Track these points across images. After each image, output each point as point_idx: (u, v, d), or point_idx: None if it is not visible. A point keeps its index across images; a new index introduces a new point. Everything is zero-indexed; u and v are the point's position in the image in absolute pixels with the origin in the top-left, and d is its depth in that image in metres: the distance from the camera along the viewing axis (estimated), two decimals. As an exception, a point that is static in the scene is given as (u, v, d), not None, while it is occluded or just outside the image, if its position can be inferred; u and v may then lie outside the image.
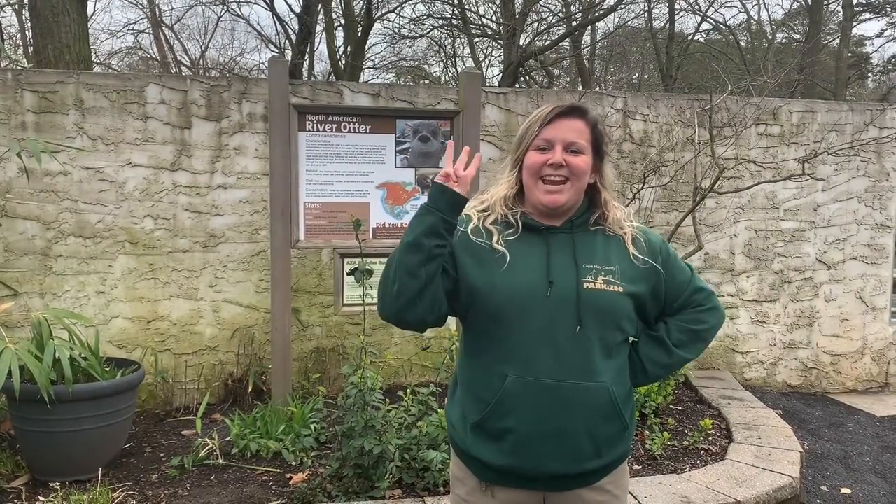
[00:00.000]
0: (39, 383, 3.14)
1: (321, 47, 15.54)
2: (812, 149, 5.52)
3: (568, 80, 18.95)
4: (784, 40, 20.12)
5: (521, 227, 1.71)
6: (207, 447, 3.62)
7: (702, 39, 18.91)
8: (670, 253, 1.79)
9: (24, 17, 13.69)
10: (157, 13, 15.69)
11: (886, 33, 20.56)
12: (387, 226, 4.22)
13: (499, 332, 1.65)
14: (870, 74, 22.22)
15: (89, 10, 10.89)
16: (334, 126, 4.11)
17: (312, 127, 4.07)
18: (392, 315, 1.65)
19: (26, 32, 13.95)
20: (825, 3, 16.85)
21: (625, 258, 1.71)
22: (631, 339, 1.78)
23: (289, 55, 13.51)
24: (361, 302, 3.54)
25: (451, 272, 1.67)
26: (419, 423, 3.47)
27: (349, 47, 13.28)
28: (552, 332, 1.63)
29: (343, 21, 13.57)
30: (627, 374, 1.75)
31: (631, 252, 1.71)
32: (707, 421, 4.09)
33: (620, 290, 1.67)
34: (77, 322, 3.86)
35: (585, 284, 1.64)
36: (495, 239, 1.69)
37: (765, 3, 28.68)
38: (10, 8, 14.30)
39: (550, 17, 14.83)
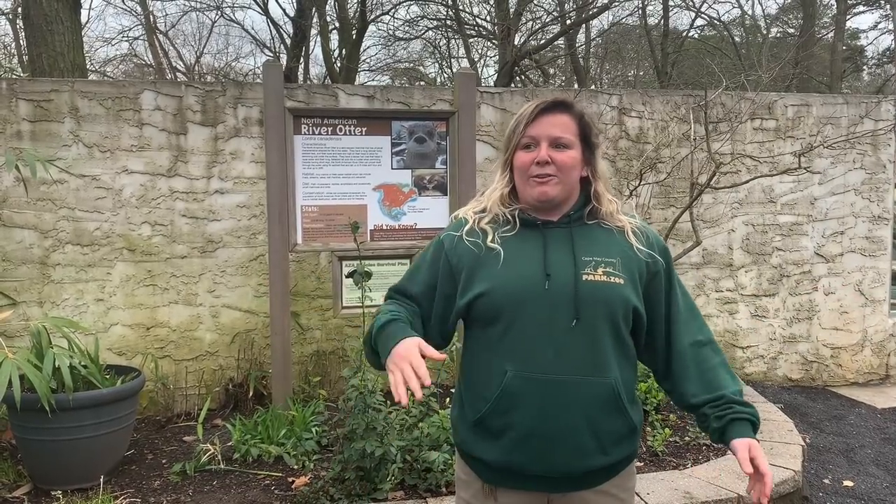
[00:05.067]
0: (39, 392, 3.14)
1: (316, 50, 15.58)
2: (808, 142, 5.52)
3: (563, 78, 18.96)
4: (778, 35, 20.14)
5: (517, 223, 1.71)
6: (209, 453, 3.62)
7: (696, 35, 18.93)
8: (672, 263, 1.77)
9: (17, 26, 13.69)
10: (152, 20, 15.68)
11: (880, 26, 20.55)
12: (384, 227, 4.22)
13: (498, 328, 1.63)
14: (865, 67, 22.26)
15: (83, 18, 10.90)
16: (330, 129, 4.11)
17: (308, 130, 4.07)
18: None
19: (20, 41, 13.94)
20: (819, -4, 16.87)
21: (626, 250, 1.68)
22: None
23: (284, 59, 13.51)
24: (360, 304, 3.54)
25: (445, 292, 1.72)
26: (420, 425, 3.47)
27: (344, 50, 13.27)
28: (551, 326, 1.60)
29: (337, 24, 13.57)
30: (634, 370, 1.72)
31: (634, 245, 1.69)
32: (708, 416, 4.09)
33: (622, 281, 1.64)
34: (76, 330, 3.85)
35: (584, 277, 1.62)
36: (490, 238, 1.69)
37: (758, -2, 28.71)
38: (3, 17, 14.30)
39: (545, 16, 14.84)
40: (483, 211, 1.76)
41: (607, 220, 1.72)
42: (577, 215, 1.71)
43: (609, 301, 1.62)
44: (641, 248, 1.69)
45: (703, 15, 17.28)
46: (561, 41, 14.10)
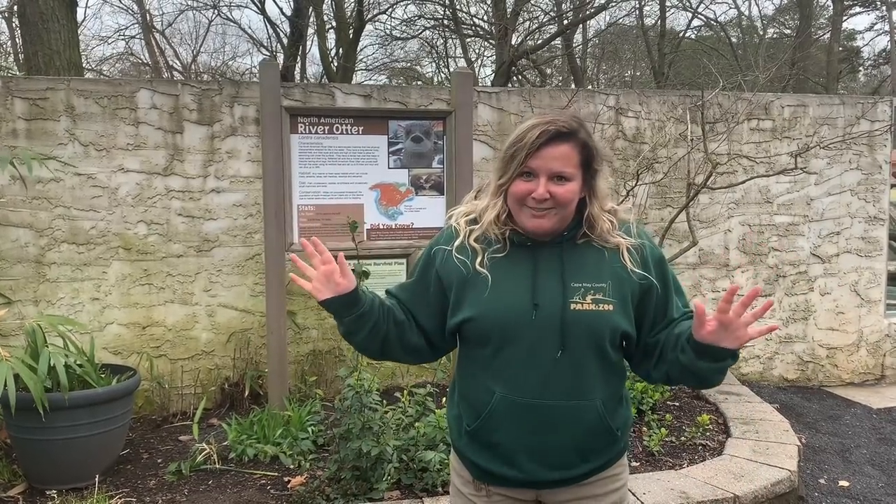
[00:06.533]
0: (34, 394, 3.13)
1: (313, 50, 15.57)
2: (804, 143, 5.53)
3: (560, 78, 18.97)
4: (775, 35, 20.19)
5: (509, 244, 1.68)
6: (205, 452, 3.61)
7: (693, 36, 18.97)
8: (667, 269, 1.74)
9: (13, 24, 13.64)
10: (148, 18, 15.65)
11: (877, 27, 20.61)
12: (381, 227, 4.21)
13: (486, 351, 1.66)
14: (861, 68, 22.32)
15: (79, 16, 10.87)
16: (326, 128, 4.10)
17: (305, 129, 4.07)
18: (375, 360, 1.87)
19: (16, 39, 13.90)
20: (815, -3, 16.91)
21: (618, 271, 1.65)
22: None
23: (280, 58, 13.51)
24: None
25: (436, 303, 1.74)
26: (417, 424, 3.46)
27: (341, 49, 13.27)
28: (538, 354, 1.61)
29: (334, 23, 13.56)
30: (620, 378, 1.72)
31: (628, 266, 1.65)
32: (704, 416, 4.10)
33: (611, 308, 1.62)
34: (72, 329, 3.84)
35: (573, 305, 1.61)
36: (479, 259, 1.66)
37: (755, -1, 28.79)
38: (-1, 15, 14.24)
39: (542, 16, 14.86)
40: (476, 222, 1.71)
41: (601, 240, 1.68)
42: (569, 235, 1.68)
43: (596, 329, 1.62)
44: (636, 270, 1.65)
45: (699, 15, 17.35)
46: (558, 41, 14.11)
